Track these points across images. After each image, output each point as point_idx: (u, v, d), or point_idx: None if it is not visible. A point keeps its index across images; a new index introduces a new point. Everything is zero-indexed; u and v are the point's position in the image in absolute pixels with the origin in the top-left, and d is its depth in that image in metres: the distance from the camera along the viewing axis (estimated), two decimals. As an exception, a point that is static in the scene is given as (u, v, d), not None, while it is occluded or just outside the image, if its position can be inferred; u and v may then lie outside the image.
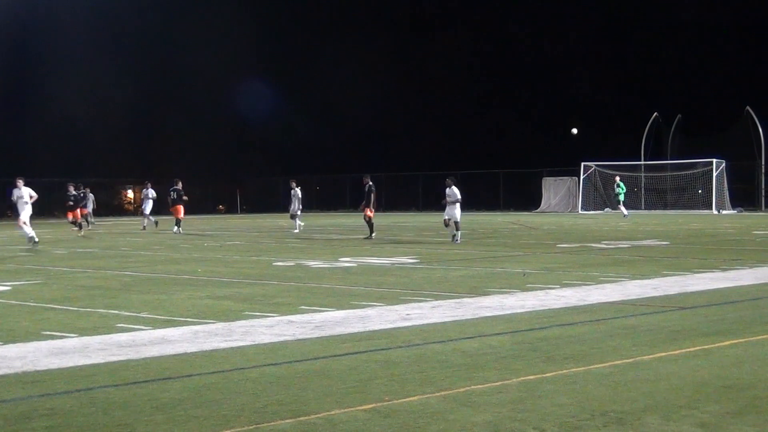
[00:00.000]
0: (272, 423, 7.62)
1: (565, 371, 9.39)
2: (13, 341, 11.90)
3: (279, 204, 76.52)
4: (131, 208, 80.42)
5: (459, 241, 31.08)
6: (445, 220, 31.60)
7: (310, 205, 79.21)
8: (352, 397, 8.47)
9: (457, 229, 31.55)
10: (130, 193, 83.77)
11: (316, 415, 7.81)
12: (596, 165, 66.95)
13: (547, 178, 70.25)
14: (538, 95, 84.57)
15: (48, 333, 12.53)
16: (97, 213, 67.28)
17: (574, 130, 32.07)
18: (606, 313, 14.06)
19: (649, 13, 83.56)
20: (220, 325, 13.08)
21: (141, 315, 14.27)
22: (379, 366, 10.00)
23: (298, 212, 42.15)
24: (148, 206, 46.41)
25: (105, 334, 12.45)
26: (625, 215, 53.81)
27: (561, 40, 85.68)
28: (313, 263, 23.47)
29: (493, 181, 72.15)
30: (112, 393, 8.90)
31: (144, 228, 45.36)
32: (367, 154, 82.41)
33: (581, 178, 66.89)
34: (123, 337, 12.19)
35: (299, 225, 41.96)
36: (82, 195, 45.08)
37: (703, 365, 9.83)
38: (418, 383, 9.03)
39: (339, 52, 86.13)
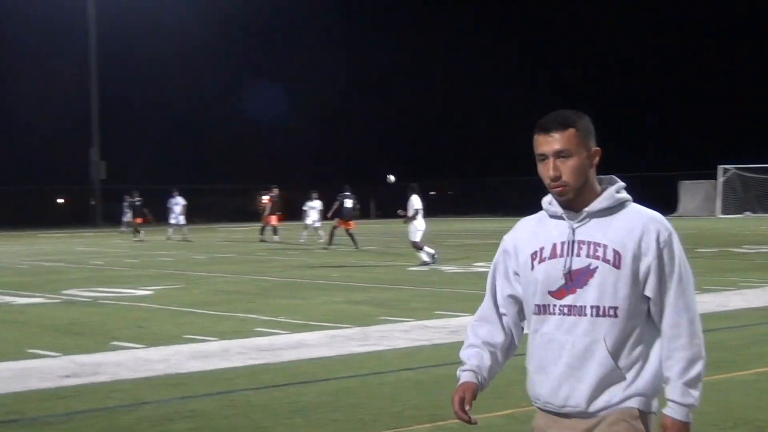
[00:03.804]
0: (409, 427, 7.67)
1: (706, 378, 9.21)
2: (156, 344, 12.20)
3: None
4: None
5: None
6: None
7: (444, 210, 79.09)
8: (489, 403, 8.46)
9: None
10: (265, 199, 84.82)
11: (453, 421, 7.81)
12: (735, 168, 65.38)
13: (684, 181, 68.86)
14: (685, 96, 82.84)
15: (189, 336, 12.81)
16: (233, 219, 68.48)
17: (391, 177, 31.04)
18: (748, 319, 13.76)
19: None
20: (356, 330, 13.20)
21: (279, 319, 14.48)
22: (516, 372, 9.91)
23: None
24: (177, 213, 43.67)
25: (244, 337, 12.67)
26: None
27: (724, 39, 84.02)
28: (448, 268, 23.47)
29: (629, 186, 70.95)
30: (251, 396, 9.06)
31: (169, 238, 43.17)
32: (487, 158, 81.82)
33: (720, 181, 65.39)
34: (262, 340, 12.39)
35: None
36: None
37: None
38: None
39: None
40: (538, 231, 3.74)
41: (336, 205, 34.27)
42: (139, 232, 43.12)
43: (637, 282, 3.55)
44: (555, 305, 3.63)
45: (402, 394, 8.89)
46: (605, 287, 3.54)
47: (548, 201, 3.73)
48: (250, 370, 10.40)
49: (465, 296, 17.08)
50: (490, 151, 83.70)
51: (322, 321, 14.15)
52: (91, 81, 63.10)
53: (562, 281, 3.61)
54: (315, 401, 8.73)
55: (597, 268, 3.56)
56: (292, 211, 46.95)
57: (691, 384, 3.64)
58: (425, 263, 24.56)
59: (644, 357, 3.61)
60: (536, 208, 3.74)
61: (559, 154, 3.58)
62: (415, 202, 25.19)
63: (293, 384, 9.59)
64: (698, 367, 3.64)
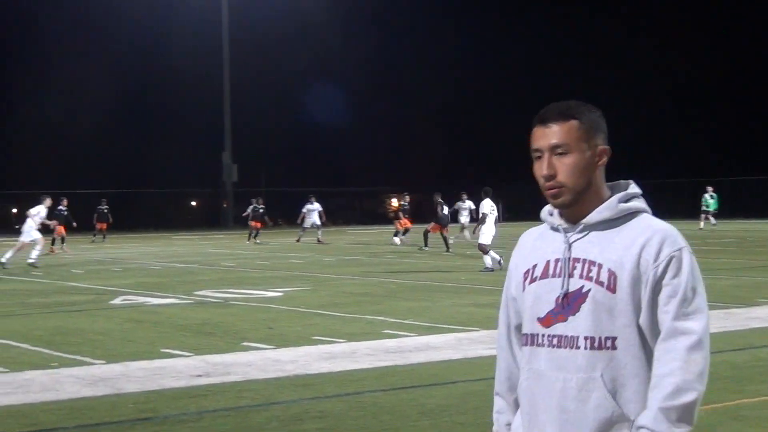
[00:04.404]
0: None
1: None
2: (286, 345, 12.37)
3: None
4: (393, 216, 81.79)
5: None
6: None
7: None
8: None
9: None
10: (394, 202, 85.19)
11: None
12: None
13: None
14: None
15: (318, 338, 12.95)
16: (361, 221, 68.99)
17: (396, 240, 32.08)
18: None
19: None
20: (483, 333, 13.17)
21: (406, 321, 14.53)
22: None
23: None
24: (313, 219, 44.17)
25: (372, 339, 12.76)
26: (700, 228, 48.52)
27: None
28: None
29: (763, 188, 69.20)
30: (379, 397, 9.13)
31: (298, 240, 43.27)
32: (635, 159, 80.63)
33: None
34: (389, 343, 12.46)
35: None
36: (66, 212, 40.06)
37: None
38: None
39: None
40: (536, 245, 3.16)
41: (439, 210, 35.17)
42: (255, 236, 44.02)
43: (639, 308, 2.94)
44: (543, 335, 3.03)
45: (529, 398, 8.83)
46: (599, 314, 2.94)
47: (548, 211, 3.16)
48: (377, 371, 10.47)
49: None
50: (618, 153, 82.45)
51: (450, 324, 14.16)
52: (224, 87, 64.26)
53: (551, 306, 3.02)
54: (442, 404, 8.75)
55: (590, 291, 2.96)
56: (422, 215, 47.08)
57: (672, 413, 2.87)
58: (488, 269, 24.20)
59: None
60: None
61: (555, 149, 3.01)
62: (485, 205, 25.37)
63: (420, 386, 9.63)
64: (688, 397, 2.90)
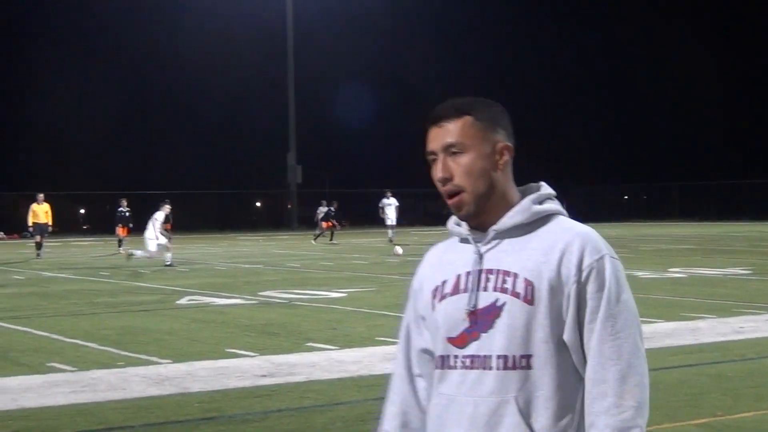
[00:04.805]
0: None
1: None
2: (350, 346, 12.39)
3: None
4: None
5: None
6: None
7: (638, 215, 77.65)
8: (683, 411, 8.31)
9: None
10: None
11: (647, 428, 7.68)
12: None
13: None
14: None
15: (381, 339, 12.94)
16: (425, 222, 68.90)
17: (399, 250, 30.93)
18: None
19: None
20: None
21: (470, 323, 14.46)
22: (711, 380, 9.75)
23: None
24: (389, 215, 44.57)
25: (435, 341, 12.72)
26: None
27: None
28: (642, 273, 23.04)
29: None
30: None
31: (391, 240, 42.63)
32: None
33: None
34: (452, 344, 12.41)
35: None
36: (128, 213, 39.94)
37: None
38: (753, 399, 8.74)
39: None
40: (443, 260, 2.83)
41: None
42: (326, 236, 44.32)
43: (559, 321, 2.61)
44: (456, 356, 2.68)
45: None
46: (515, 330, 2.60)
47: (455, 221, 2.83)
48: (441, 373, 10.44)
49: (659, 302, 16.73)
50: (683, 153, 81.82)
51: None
52: (288, 88, 64.54)
53: (465, 324, 2.67)
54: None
55: (504, 304, 2.63)
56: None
57: None
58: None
59: (581, 425, 2.64)
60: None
61: (449, 149, 2.69)
62: None
63: (484, 388, 9.59)
64: None
